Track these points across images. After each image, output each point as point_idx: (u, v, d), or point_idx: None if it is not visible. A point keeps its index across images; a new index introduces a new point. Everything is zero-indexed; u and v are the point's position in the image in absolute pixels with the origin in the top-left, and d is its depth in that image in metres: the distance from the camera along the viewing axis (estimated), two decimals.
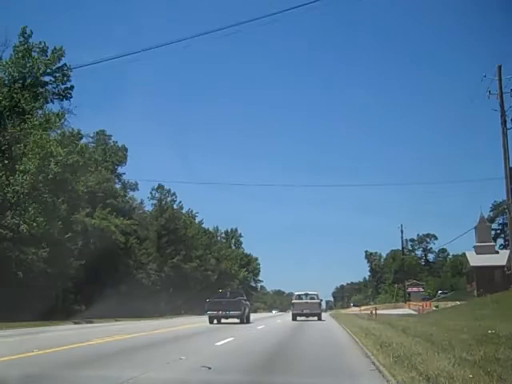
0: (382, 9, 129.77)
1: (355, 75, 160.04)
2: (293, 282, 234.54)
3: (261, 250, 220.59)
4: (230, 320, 27.76)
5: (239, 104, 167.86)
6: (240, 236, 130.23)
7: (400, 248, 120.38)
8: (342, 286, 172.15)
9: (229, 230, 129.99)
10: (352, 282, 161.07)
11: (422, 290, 78.34)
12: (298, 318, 33.08)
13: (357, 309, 78.44)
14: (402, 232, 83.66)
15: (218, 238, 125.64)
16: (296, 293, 36.52)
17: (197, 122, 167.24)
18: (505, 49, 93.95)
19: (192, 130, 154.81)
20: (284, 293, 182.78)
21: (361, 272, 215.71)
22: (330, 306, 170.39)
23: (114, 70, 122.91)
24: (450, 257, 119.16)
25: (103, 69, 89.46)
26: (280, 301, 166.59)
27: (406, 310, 54.17)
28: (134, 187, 58.93)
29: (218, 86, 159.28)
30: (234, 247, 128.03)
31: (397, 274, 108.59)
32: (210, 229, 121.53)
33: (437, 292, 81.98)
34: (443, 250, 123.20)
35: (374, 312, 44.91)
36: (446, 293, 76.42)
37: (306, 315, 33.27)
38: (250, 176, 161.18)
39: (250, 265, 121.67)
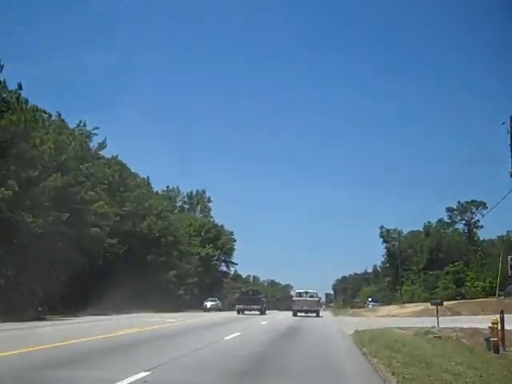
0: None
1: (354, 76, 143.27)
2: (288, 272, 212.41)
3: (253, 238, 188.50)
4: (252, 312, 39.33)
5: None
6: (209, 201, 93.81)
7: (435, 221, 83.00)
8: (343, 278, 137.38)
9: (193, 192, 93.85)
10: (355, 273, 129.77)
11: None
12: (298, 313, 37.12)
13: (391, 308, 40.76)
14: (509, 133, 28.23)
15: (179, 203, 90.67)
16: (296, 290, 42.11)
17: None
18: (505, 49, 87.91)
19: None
20: (279, 284, 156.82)
21: (367, 261, 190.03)
22: (329, 300, 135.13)
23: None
24: (484, 238, 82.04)
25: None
26: (273, 293, 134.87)
27: None
28: None
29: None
30: (200, 215, 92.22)
31: (433, 253, 72.35)
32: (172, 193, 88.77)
33: None
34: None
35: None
36: None
37: (306, 311, 37.33)
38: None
39: (219, 239, 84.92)
